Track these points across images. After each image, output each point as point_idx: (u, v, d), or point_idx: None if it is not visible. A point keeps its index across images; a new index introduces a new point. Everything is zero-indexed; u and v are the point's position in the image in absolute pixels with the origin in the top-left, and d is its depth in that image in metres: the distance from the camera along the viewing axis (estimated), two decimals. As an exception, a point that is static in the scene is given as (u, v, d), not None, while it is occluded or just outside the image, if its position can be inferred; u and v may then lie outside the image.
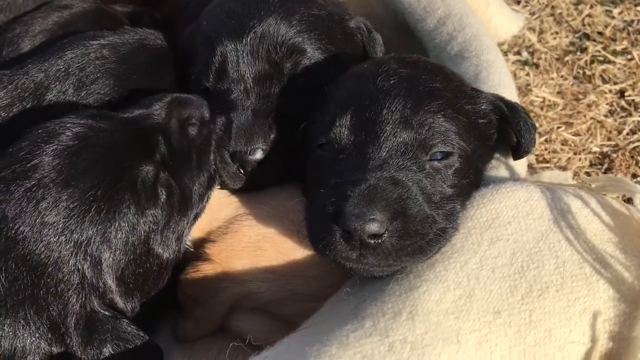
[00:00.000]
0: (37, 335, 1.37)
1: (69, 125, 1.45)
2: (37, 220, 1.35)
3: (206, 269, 1.58)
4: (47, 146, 1.41)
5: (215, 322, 1.63)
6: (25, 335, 1.37)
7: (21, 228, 1.35)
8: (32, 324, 1.37)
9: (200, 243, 1.63)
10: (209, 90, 1.74)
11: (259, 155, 1.61)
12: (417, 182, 1.37)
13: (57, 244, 1.36)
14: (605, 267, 1.35)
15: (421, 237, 1.33)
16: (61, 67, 1.70)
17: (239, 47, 1.68)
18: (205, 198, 1.63)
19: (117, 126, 1.49)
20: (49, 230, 1.35)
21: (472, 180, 1.48)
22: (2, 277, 1.34)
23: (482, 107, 1.53)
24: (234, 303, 1.59)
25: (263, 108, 1.65)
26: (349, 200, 1.30)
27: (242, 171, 1.65)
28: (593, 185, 1.58)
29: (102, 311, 1.40)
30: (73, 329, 1.38)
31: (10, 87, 1.71)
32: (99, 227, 1.39)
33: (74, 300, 1.38)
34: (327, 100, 1.56)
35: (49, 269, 1.36)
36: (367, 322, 1.25)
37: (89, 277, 1.39)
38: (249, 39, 1.68)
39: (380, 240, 1.29)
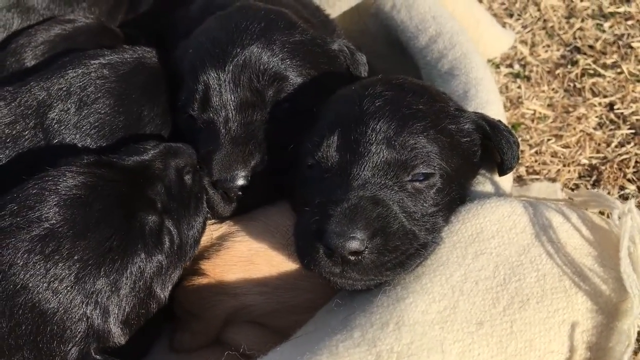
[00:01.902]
0: None
1: (74, 174, 1.47)
2: (50, 272, 1.36)
3: (201, 283, 1.63)
4: (54, 196, 1.43)
5: (211, 335, 1.67)
6: None
7: (31, 277, 1.36)
8: None
9: (196, 259, 1.67)
10: (194, 117, 1.77)
11: (240, 181, 1.65)
12: (398, 201, 1.43)
13: (69, 295, 1.37)
14: (584, 280, 1.40)
15: (401, 252, 1.39)
16: (63, 86, 1.75)
17: (221, 76, 1.71)
18: (199, 242, 1.68)
19: (120, 176, 1.52)
20: (62, 281, 1.37)
21: (454, 197, 1.53)
22: (4, 321, 1.35)
23: (465, 127, 1.58)
24: (228, 316, 1.64)
25: (243, 135, 1.69)
26: (331, 219, 1.37)
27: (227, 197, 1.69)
28: (575, 200, 1.63)
29: (95, 356, 1.42)
30: None
31: (13, 104, 1.76)
32: (112, 278, 1.42)
33: (75, 347, 1.40)
34: (316, 121, 1.62)
35: (56, 318, 1.37)
36: (356, 332, 1.30)
37: (95, 326, 1.41)
38: (231, 67, 1.71)
39: (360, 257, 1.36)
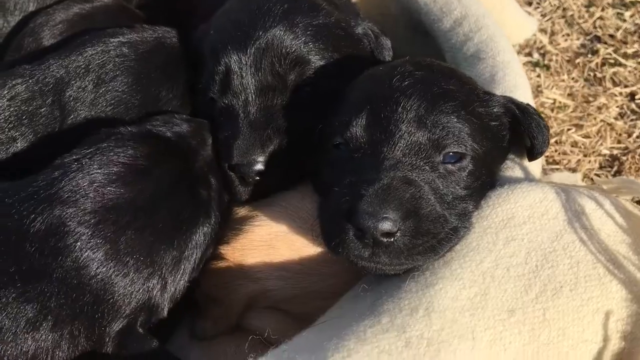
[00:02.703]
0: (78, 347, 1.36)
1: (132, 144, 1.44)
2: (122, 244, 1.34)
3: (222, 268, 1.61)
4: (119, 166, 1.40)
5: (232, 320, 1.65)
6: (66, 347, 1.35)
7: (101, 249, 1.33)
8: (75, 339, 1.35)
9: (216, 243, 1.63)
10: (215, 100, 1.74)
11: (257, 166, 1.62)
12: (429, 182, 1.39)
13: (138, 268, 1.35)
14: (619, 267, 1.37)
15: (433, 236, 1.34)
16: (81, 63, 1.72)
17: (242, 58, 1.67)
18: (227, 221, 1.66)
19: (167, 149, 1.50)
20: (133, 253, 1.35)
21: (485, 181, 1.49)
22: (69, 291, 1.32)
23: (494, 110, 1.54)
24: (249, 300, 1.61)
25: (263, 120, 1.65)
26: (363, 199, 1.32)
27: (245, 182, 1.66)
28: (606, 187, 1.59)
29: (139, 329, 1.39)
30: (110, 343, 1.37)
31: (31, 81, 1.72)
32: (179, 251, 1.41)
33: (125, 319, 1.37)
34: (343, 101, 1.58)
35: (121, 291, 1.34)
36: (385, 318, 1.27)
37: (153, 299, 1.39)
38: (252, 50, 1.67)
39: (392, 239, 1.31)
